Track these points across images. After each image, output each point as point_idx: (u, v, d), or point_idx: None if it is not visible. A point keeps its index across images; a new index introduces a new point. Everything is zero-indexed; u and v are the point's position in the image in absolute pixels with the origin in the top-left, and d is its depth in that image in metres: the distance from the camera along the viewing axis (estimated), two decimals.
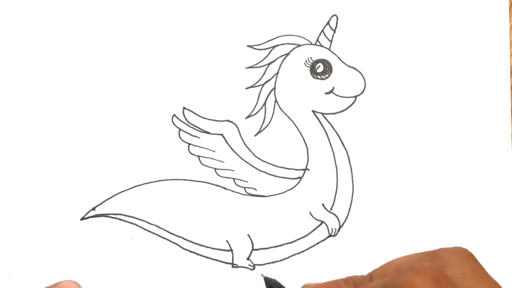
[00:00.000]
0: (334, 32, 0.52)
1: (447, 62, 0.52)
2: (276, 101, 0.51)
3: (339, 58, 0.51)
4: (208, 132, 0.50)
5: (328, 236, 0.49)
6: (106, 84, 0.50)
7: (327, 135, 0.50)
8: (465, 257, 0.33)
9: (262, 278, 0.47)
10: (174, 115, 0.50)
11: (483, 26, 0.52)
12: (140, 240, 0.48)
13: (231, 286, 0.48)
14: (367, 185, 0.50)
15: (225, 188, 0.49)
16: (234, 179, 0.49)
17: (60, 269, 0.47)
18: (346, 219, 0.50)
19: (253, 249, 0.49)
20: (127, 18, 0.51)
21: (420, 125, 0.51)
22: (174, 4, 0.51)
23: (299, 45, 0.51)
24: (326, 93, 0.51)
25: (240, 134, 0.50)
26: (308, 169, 0.50)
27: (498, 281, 0.50)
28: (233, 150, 0.50)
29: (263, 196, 0.49)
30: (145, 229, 0.48)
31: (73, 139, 0.49)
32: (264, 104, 0.50)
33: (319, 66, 0.51)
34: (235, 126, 0.50)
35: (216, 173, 0.49)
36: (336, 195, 0.50)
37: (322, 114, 0.51)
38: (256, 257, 0.49)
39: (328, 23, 0.52)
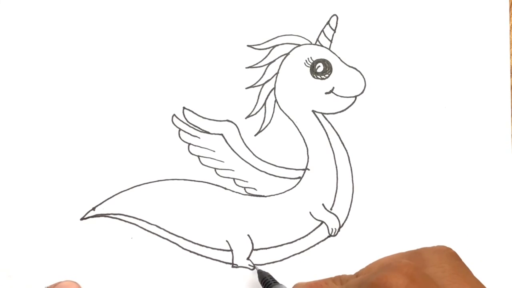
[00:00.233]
0: (334, 32, 0.52)
1: (447, 62, 0.52)
2: (276, 101, 0.51)
3: (339, 58, 0.51)
4: (208, 132, 0.50)
5: (328, 236, 0.49)
6: (106, 84, 0.50)
7: (327, 135, 0.50)
8: (446, 256, 0.33)
9: (256, 271, 0.47)
10: (174, 115, 0.50)
11: (483, 26, 0.52)
12: (140, 240, 0.48)
13: (231, 286, 0.48)
14: (367, 185, 0.50)
15: (225, 188, 0.49)
16: (234, 179, 0.49)
17: (60, 269, 0.47)
18: (346, 219, 0.50)
19: (253, 249, 0.49)
20: (127, 18, 0.51)
21: (420, 125, 0.51)
22: (174, 4, 0.51)
23: (299, 45, 0.51)
24: (326, 93, 0.51)
25: (240, 134, 0.50)
26: (308, 169, 0.50)
27: (498, 281, 0.50)
28: (233, 150, 0.50)
29: (263, 196, 0.49)
30: (145, 229, 0.48)
31: (73, 139, 0.49)
32: (264, 104, 0.50)
33: (319, 66, 0.51)
34: (235, 126, 0.50)
35: (216, 173, 0.49)
36: (336, 195, 0.50)
37: (322, 114, 0.51)
38: (256, 257, 0.49)
39: (328, 23, 0.52)
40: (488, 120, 0.51)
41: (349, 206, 0.50)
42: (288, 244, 0.49)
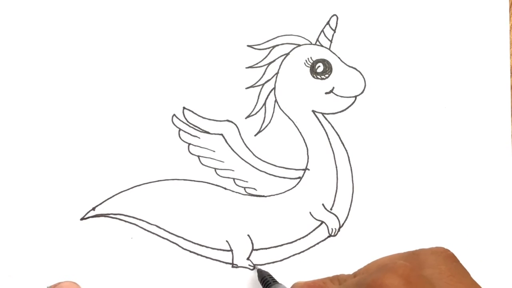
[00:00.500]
0: (334, 32, 0.52)
1: (447, 62, 0.52)
2: (276, 101, 0.51)
3: (339, 58, 0.51)
4: (208, 132, 0.50)
5: (328, 236, 0.49)
6: (106, 84, 0.50)
7: (327, 135, 0.50)
8: (443, 257, 0.33)
9: (256, 271, 0.47)
10: (174, 115, 0.50)
11: (483, 26, 0.52)
12: (140, 240, 0.48)
13: (231, 286, 0.48)
14: (367, 185, 0.50)
15: (225, 188, 0.49)
16: (234, 179, 0.49)
17: (60, 269, 0.47)
18: (346, 219, 0.50)
19: (253, 249, 0.49)
20: (127, 18, 0.51)
21: (420, 125, 0.51)
22: (174, 4, 0.51)
23: (299, 45, 0.51)
24: (326, 93, 0.51)
25: (240, 134, 0.50)
26: (308, 169, 0.50)
27: (498, 281, 0.50)
28: (233, 150, 0.50)
29: (263, 196, 0.49)
30: (145, 229, 0.48)
31: (73, 139, 0.49)
32: (264, 104, 0.50)
33: (319, 66, 0.51)
34: (235, 126, 0.50)
35: (216, 173, 0.49)
36: (336, 195, 0.50)
37: (322, 114, 0.51)
38: (256, 257, 0.49)
39: (328, 23, 0.52)
40: (488, 120, 0.51)
41: (349, 206, 0.50)
42: (288, 244, 0.49)
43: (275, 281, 0.44)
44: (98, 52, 0.50)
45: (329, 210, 0.49)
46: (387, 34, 0.52)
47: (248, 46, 0.51)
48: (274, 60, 0.51)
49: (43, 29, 0.50)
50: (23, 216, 0.48)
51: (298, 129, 0.50)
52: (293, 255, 0.49)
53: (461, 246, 0.49)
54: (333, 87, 0.51)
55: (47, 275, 0.47)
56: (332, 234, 0.49)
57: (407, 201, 0.50)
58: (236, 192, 0.49)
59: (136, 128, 0.49)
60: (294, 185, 0.50)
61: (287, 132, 0.50)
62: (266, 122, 0.50)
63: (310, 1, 0.52)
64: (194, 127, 0.50)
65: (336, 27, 0.52)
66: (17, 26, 0.50)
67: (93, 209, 0.48)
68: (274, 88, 0.51)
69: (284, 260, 0.49)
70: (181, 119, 0.50)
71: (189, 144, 0.50)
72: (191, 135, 0.50)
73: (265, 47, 0.51)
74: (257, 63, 0.51)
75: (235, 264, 0.48)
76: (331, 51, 0.51)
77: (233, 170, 0.50)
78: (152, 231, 0.48)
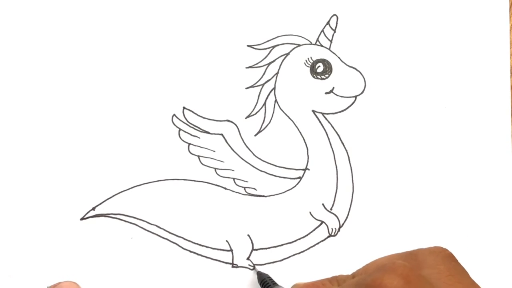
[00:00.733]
0: (334, 32, 0.52)
1: (447, 62, 0.52)
2: (276, 101, 0.51)
3: (339, 58, 0.51)
4: (208, 132, 0.50)
5: (328, 236, 0.49)
6: (106, 84, 0.50)
7: (327, 135, 0.50)
8: (442, 257, 0.33)
9: (255, 273, 0.47)
10: (174, 115, 0.50)
11: (483, 26, 0.52)
12: (140, 240, 0.48)
13: (231, 286, 0.48)
14: (367, 185, 0.50)
15: (225, 188, 0.49)
16: (234, 179, 0.49)
17: (60, 269, 0.47)
18: (346, 219, 0.50)
19: (253, 249, 0.49)
20: (127, 18, 0.51)
21: (420, 125, 0.51)
22: (174, 4, 0.51)
23: (299, 45, 0.51)
24: (326, 93, 0.51)
25: (240, 134, 0.50)
26: (308, 169, 0.50)
27: (498, 281, 0.50)
28: (233, 150, 0.50)
29: (263, 196, 0.49)
30: (145, 229, 0.48)
31: (73, 139, 0.49)
32: (264, 104, 0.50)
33: (319, 66, 0.51)
34: (235, 126, 0.50)
35: (216, 173, 0.49)
36: (336, 195, 0.50)
37: (322, 114, 0.51)
38: (256, 257, 0.49)
39: (328, 23, 0.52)
40: (488, 120, 0.51)
41: (349, 206, 0.50)
42: (288, 244, 0.49)
43: (275, 284, 0.44)
44: (98, 52, 0.50)
45: (329, 210, 0.49)
46: (387, 34, 0.52)
47: (248, 46, 0.51)
48: (274, 60, 0.51)
49: (43, 29, 0.50)
50: (23, 216, 0.48)
51: (298, 129, 0.50)
52: (293, 255, 0.49)
53: (461, 246, 0.49)
54: (333, 87, 0.51)
55: (47, 275, 0.47)
56: (332, 234, 0.49)
57: (407, 201, 0.50)
58: (236, 192, 0.49)
59: (136, 128, 0.49)
60: (294, 185, 0.50)
61: (287, 132, 0.50)
62: (266, 122, 0.50)
63: (310, 1, 0.52)
64: (194, 127, 0.50)
65: (336, 27, 0.52)
66: (17, 26, 0.50)
67: (93, 209, 0.48)
68: (274, 88, 0.51)
69: (284, 260, 0.49)
70: (181, 119, 0.50)
71: (189, 144, 0.50)
72: (191, 135, 0.50)
73: (265, 47, 0.51)
74: (257, 63, 0.51)
75: (235, 264, 0.48)
76: (331, 51, 0.51)
77: (233, 170, 0.50)
78: (152, 231, 0.48)
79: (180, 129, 0.50)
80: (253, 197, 0.49)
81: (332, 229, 0.49)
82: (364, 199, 0.50)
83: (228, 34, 0.51)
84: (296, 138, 0.50)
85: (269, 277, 0.46)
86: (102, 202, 0.48)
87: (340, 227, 0.49)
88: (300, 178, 0.50)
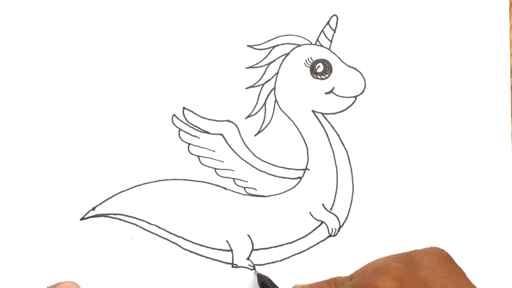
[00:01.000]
0: (334, 32, 0.52)
1: (447, 62, 0.52)
2: (276, 101, 0.51)
3: (339, 58, 0.51)
4: (208, 132, 0.50)
5: (328, 236, 0.49)
6: (106, 84, 0.50)
7: (327, 135, 0.50)
8: (438, 258, 0.33)
9: (255, 275, 0.47)
10: (174, 115, 0.50)
11: (483, 26, 0.52)
12: (140, 240, 0.48)
13: (231, 286, 0.48)
14: (367, 185, 0.50)
15: (225, 188, 0.49)
16: (234, 179, 0.49)
17: (60, 269, 0.47)
18: (346, 219, 0.50)
19: (253, 249, 0.49)
20: (127, 18, 0.51)
21: (420, 125, 0.51)
22: (174, 4, 0.51)
23: (299, 45, 0.51)
24: (326, 93, 0.51)
25: (240, 134, 0.50)
26: (308, 169, 0.50)
27: (498, 281, 0.50)
28: (233, 150, 0.50)
29: (263, 196, 0.49)
30: (145, 229, 0.48)
31: (73, 139, 0.49)
32: (264, 104, 0.50)
33: (319, 66, 0.51)
34: (235, 126, 0.50)
35: (216, 173, 0.49)
36: (336, 195, 0.50)
37: (322, 114, 0.51)
38: (256, 257, 0.49)
39: (328, 23, 0.52)
40: (488, 120, 0.51)
41: (349, 206, 0.50)
42: (288, 244, 0.49)
43: (275, 286, 0.44)
44: (98, 52, 0.50)
45: (329, 210, 0.49)
46: (387, 34, 0.52)
47: (248, 46, 0.51)
48: (274, 60, 0.51)
49: (43, 29, 0.50)
50: (23, 216, 0.48)
51: (298, 129, 0.50)
52: (293, 255, 0.49)
53: (461, 246, 0.49)
54: (333, 87, 0.51)
55: (47, 275, 0.47)
56: (332, 234, 0.49)
57: (407, 201, 0.50)
58: (236, 192, 0.49)
59: (136, 128, 0.49)
60: (294, 185, 0.50)
61: (287, 132, 0.50)
62: (266, 122, 0.50)
63: (310, 1, 0.52)
64: (194, 127, 0.50)
65: (336, 27, 0.52)
66: (17, 26, 0.50)
67: (93, 209, 0.48)
68: (274, 88, 0.51)
69: (284, 260, 0.49)
70: (181, 119, 0.50)
71: (189, 144, 0.50)
72: (191, 135, 0.50)
73: (265, 47, 0.51)
74: (257, 63, 0.51)
75: (235, 264, 0.48)
76: (331, 51, 0.51)
77: (233, 170, 0.50)
78: (152, 231, 0.48)
79: (180, 129, 0.50)
80: (253, 197, 0.49)
81: (332, 229, 0.49)
82: (364, 199, 0.50)
83: (228, 34, 0.51)
84: (296, 138, 0.50)
85: (269, 279, 0.46)
86: (102, 202, 0.48)
87: (340, 227, 0.49)
88: (300, 178, 0.50)
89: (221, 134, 0.50)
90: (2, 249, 0.47)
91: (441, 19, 0.52)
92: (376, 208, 0.50)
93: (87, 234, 0.48)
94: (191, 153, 0.50)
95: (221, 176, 0.49)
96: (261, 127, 0.50)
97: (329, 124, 0.51)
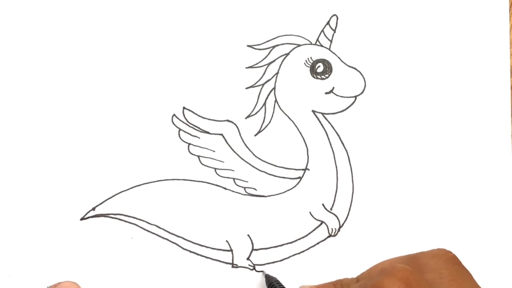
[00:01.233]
0: (334, 32, 0.52)
1: (447, 62, 0.52)
2: (276, 101, 0.51)
3: (339, 58, 0.51)
4: (208, 132, 0.50)
5: (328, 236, 0.49)
6: (106, 84, 0.50)
7: (327, 135, 0.50)
8: (444, 260, 0.33)
9: (263, 276, 0.47)
10: (174, 115, 0.50)
11: (483, 26, 0.52)
12: (140, 240, 0.48)
13: (231, 286, 0.48)
14: (367, 185, 0.50)
15: (225, 188, 0.49)
16: (234, 179, 0.49)
17: (60, 269, 0.47)
18: (346, 219, 0.50)
19: (253, 249, 0.49)
20: (127, 18, 0.51)
21: (420, 125, 0.51)
22: (174, 4, 0.51)
23: (299, 45, 0.51)
24: (326, 93, 0.51)
25: (240, 134, 0.50)
26: (308, 169, 0.50)
27: (498, 281, 0.50)
28: (233, 150, 0.50)
29: (263, 196, 0.49)
30: (145, 229, 0.48)
31: (73, 139, 0.49)
32: (264, 104, 0.50)
33: (319, 66, 0.51)
34: (235, 126, 0.50)
35: (216, 173, 0.49)
36: (336, 195, 0.50)
37: (322, 114, 0.51)
38: (256, 257, 0.49)
39: (328, 23, 0.52)
40: (488, 120, 0.51)
41: (349, 206, 0.50)
42: (288, 244, 0.49)
43: (282, 287, 0.44)
44: (98, 52, 0.50)
45: (329, 210, 0.49)
46: (387, 34, 0.52)
47: (248, 46, 0.51)
48: (274, 60, 0.51)
49: (43, 29, 0.50)
50: (23, 216, 0.48)
51: (298, 129, 0.50)
52: (293, 255, 0.49)
53: (461, 246, 0.49)
54: (333, 87, 0.51)
55: (47, 275, 0.47)
56: (332, 234, 0.49)
57: (407, 201, 0.50)
58: (236, 192, 0.49)
59: (136, 128, 0.49)
60: (294, 185, 0.50)
61: (287, 132, 0.50)
62: (266, 122, 0.50)
63: (310, 1, 0.52)
64: (194, 127, 0.50)
65: (336, 27, 0.52)
66: (17, 26, 0.50)
67: (93, 209, 0.48)
68: (274, 88, 0.51)
69: (284, 260, 0.49)
70: (181, 119, 0.50)
71: (189, 144, 0.50)
72: (191, 135, 0.50)
73: (265, 47, 0.51)
74: (257, 63, 0.51)
75: (235, 264, 0.48)
76: (331, 51, 0.51)
77: (233, 170, 0.50)
78: (152, 231, 0.48)
79: (180, 129, 0.50)
80: (253, 197, 0.49)
81: (332, 229, 0.49)
82: (364, 199, 0.50)
83: (228, 34, 0.51)
84: (296, 138, 0.50)
85: (277, 280, 0.46)
86: (102, 202, 0.48)
87: (340, 227, 0.49)
88: (300, 178, 0.50)
89: (221, 134, 0.50)
90: (2, 249, 0.47)
91: (441, 19, 0.52)
92: (376, 208, 0.50)
93: (87, 234, 0.48)
94: (191, 153, 0.50)
95: (221, 176, 0.49)
96: (261, 127, 0.50)
97: (329, 124, 0.51)
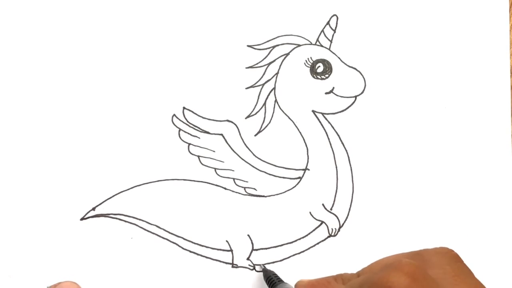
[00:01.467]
0: (334, 32, 0.52)
1: (447, 62, 0.52)
2: (276, 101, 0.51)
3: (339, 58, 0.51)
4: (208, 132, 0.50)
5: (328, 236, 0.49)
6: (106, 84, 0.50)
7: (327, 135, 0.50)
8: (447, 258, 0.33)
9: (261, 268, 0.47)
10: (174, 115, 0.50)
11: (483, 26, 0.52)
12: (140, 240, 0.48)
13: (231, 286, 0.48)
14: (367, 185, 0.50)
15: (225, 188, 0.49)
16: (234, 179, 0.49)
17: (60, 269, 0.47)
18: (346, 219, 0.50)
19: (253, 249, 0.49)
20: (127, 18, 0.51)
21: (420, 125, 0.51)
22: (174, 4, 0.51)
23: (299, 45, 0.51)
24: (326, 93, 0.51)
25: (240, 134, 0.50)
26: (308, 169, 0.50)
27: (498, 281, 0.50)
28: (233, 150, 0.50)
29: (263, 196, 0.49)
30: (145, 229, 0.48)
31: (73, 139, 0.49)
32: (264, 104, 0.50)
33: (319, 66, 0.51)
34: (235, 126, 0.50)
35: (216, 173, 0.49)
36: (336, 195, 0.50)
37: (322, 114, 0.51)
38: (256, 257, 0.49)
39: (328, 23, 0.52)
40: (488, 120, 0.51)
41: (349, 206, 0.50)
42: (288, 244, 0.49)
43: (280, 281, 0.44)
44: (98, 52, 0.50)
45: (329, 210, 0.49)
46: (387, 34, 0.52)
47: (248, 46, 0.51)
48: (274, 60, 0.51)
49: (43, 29, 0.50)
50: (23, 216, 0.48)
51: (298, 129, 0.50)
52: (293, 255, 0.49)
53: (461, 246, 0.49)
54: (333, 87, 0.51)
55: (47, 275, 0.47)
56: (332, 234, 0.49)
57: (407, 201, 0.50)
58: (236, 192, 0.49)
59: (136, 128, 0.49)
60: (294, 185, 0.50)
61: (287, 132, 0.50)
62: (266, 122, 0.50)
63: (310, 1, 0.52)
64: (194, 127, 0.50)
65: (336, 27, 0.52)
66: (17, 26, 0.50)
67: (93, 209, 0.48)
68: (274, 88, 0.51)
69: (284, 260, 0.49)
70: (181, 119, 0.50)
71: (189, 144, 0.50)
72: (191, 135, 0.50)
73: (265, 47, 0.51)
74: (257, 63, 0.51)
75: (235, 264, 0.48)
76: (331, 51, 0.51)
77: (233, 170, 0.50)
78: (152, 231, 0.48)
79: (180, 129, 0.50)
80: (253, 197, 0.49)
81: (332, 229, 0.49)
82: (364, 199, 0.50)
83: (228, 34, 0.51)
84: (296, 138, 0.50)
85: (275, 274, 0.46)
86: (102, 202, 0.48)
87: (340, 227, 0.49)
88: (300, 178, 0.50)
89: (221, 134, 0.50)
90: (2, 249, 0.47)
91: (441, 19, 0.52)
92: (376, 208, 0.50)
93: (87, 234, 0.48)
94: (191, 153, 0.50)
95: (221, 176, 0.49)
96: (261, 127, 0.50)
97: (329, 124, 0.51)
